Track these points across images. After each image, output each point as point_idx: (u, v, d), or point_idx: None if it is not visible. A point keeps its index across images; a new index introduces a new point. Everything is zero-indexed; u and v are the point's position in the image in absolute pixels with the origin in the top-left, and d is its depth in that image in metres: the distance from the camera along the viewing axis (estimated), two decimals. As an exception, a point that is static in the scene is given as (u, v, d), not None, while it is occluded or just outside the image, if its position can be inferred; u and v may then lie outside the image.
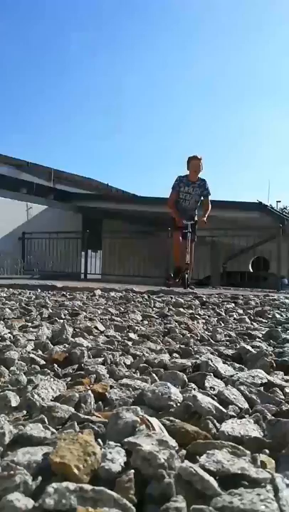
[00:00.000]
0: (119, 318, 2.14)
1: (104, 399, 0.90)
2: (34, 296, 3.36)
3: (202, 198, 5.79)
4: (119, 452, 0.60)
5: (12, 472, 0.54)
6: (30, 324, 1.87)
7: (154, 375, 1.05)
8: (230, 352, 1.35)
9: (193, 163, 5.70)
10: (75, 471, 0.54)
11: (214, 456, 0.59)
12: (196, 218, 5.84)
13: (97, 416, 0.79)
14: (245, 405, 0.88)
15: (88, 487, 0.50)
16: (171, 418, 0.75)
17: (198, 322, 2.09)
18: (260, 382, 1.02)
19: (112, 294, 3.78)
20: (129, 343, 1.48)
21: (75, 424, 0.73)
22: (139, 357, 1.27)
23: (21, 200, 11.13)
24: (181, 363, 1.15)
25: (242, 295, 3.92)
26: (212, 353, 1.31)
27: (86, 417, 0.77)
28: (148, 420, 0.71)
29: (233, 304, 3.13)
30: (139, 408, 0.78)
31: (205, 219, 5.74)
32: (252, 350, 1.31)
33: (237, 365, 1.20)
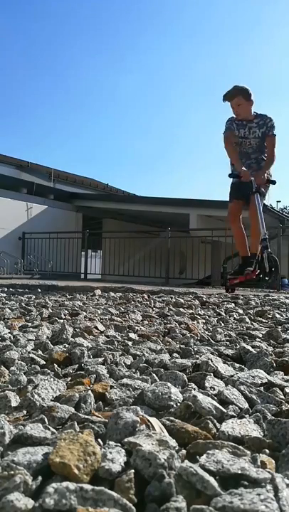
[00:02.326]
0: (119, 318, 2.14)
1: (104, 399, 0.90)
2: (34, 296, 3.36)
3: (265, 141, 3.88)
4: (120, 452, 0.60)
5: (12, 472, 0.54)
6: (30, 324, 1.87)
7: (154, 375, 1.05)
8: (230, 352, 1.35)
9: (231, 103, 3.88)
10: (75, 471, 0.54)
11: (214, 456, 0.59)
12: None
13: (97, 416, 0.79)
14: (246, 405, 0.88)
15: (88, 487, 0.50)
16: (171, 418, 0.75)
17: (198, 322, 2.09)
18: (260, 382, 1.02)
19: (112, 294, 3.78)
20: (129, 343, 1.48)
21: (75, 424, 0.72)
22: (139, 357, 1.27)
23: (21, 200, 11.14)
24: (181, 363, 1.15)
25: (242, 295, 3.92)
26: (212, 353, 1.31)
27: (86, 417, 0.77)
28: (148, 420, 0.71)
29: (233, 304, 3.13)
30: (139, 408, 0.78)
31: (266, 172, 3.84)
32: (252, 350, 1.31)
33: (237, 365, 1.20)
